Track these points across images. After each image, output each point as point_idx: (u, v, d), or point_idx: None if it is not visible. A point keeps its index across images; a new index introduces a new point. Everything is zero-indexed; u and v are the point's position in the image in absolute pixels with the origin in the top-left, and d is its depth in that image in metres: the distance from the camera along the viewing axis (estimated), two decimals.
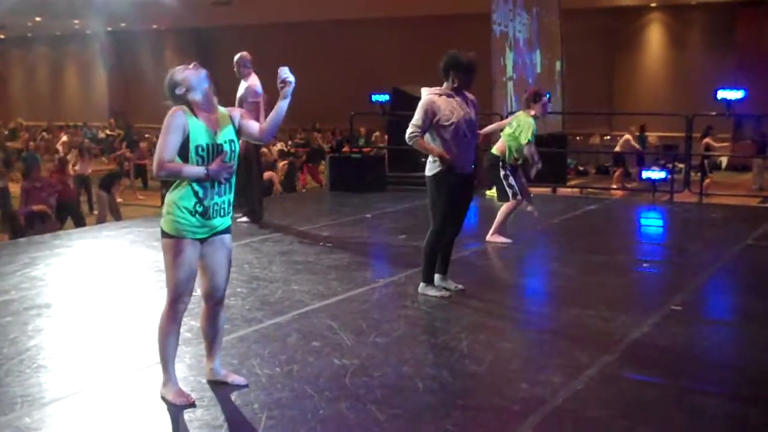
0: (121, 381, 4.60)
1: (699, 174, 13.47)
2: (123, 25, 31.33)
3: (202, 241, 4.17)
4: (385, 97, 14.00)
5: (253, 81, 9.27)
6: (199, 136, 4.04)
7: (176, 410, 4.13)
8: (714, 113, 13.66)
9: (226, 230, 4.28)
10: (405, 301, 6.16)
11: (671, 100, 23.41)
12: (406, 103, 14.67)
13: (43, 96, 37.76)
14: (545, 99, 8.54)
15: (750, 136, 21.51)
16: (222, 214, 4.19)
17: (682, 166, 15.14)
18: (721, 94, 12.24)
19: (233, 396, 4.30)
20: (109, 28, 32.15)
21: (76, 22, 31.77)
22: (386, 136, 17.30)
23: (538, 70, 18.29)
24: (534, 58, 18.09)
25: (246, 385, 4.44)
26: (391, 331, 5.42)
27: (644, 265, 7.82)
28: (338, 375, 4.63)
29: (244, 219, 9.55)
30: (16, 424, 3.98)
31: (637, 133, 20.99)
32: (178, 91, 4.09)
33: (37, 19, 30.88)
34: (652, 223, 10.74)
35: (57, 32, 34.86)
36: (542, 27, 18.40)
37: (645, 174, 13.02)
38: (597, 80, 25.21)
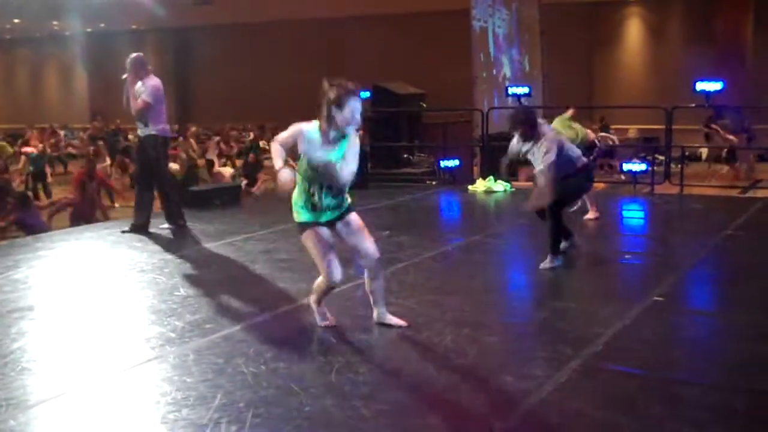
0: (106, 382, 4.59)
1: (679, 165, 13.54)
2: (102, 25, 31.20)
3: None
4: (365, 95, 14.01)
5: (154, 82, 8.96)
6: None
7: (162, 410, 4.14)
8: (693, 105, 13.75)
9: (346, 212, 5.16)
10: (389, 298, 6.15)
11: (651, 92, 23.51)
12: (387, 100, 14.76)
13: (23, 98, 37.56)
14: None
15: (732, 127, 21.62)
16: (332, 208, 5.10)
17: (662, 158, 15.23)
18: (700, 86, 12.34)
19: (219, 394, 4.31)
20: (89, 29, 32.01)
21: (55, 23, 31.60)
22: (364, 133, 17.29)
23: (527, 68, 18.39)
24: (515, 54, 18.15)
25: (409, 325, 5.38)
26: (375, 327, 5.44)
27: (626, 256, 7.87)
28: (323, 372, 4.64)
29: (165, 225, 9.29)
30: (1, 427, 3.97)
31: (596, 126, 21.16)
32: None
33: (16, 21, 30.71)
34: (633, 215, 10.80)
35: (36, 34, 34.66)
36: (521, 22, 18.46)
37: (626, 166, 13.09)
38: (577, 74, 25.29)
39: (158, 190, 9.38)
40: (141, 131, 9.11)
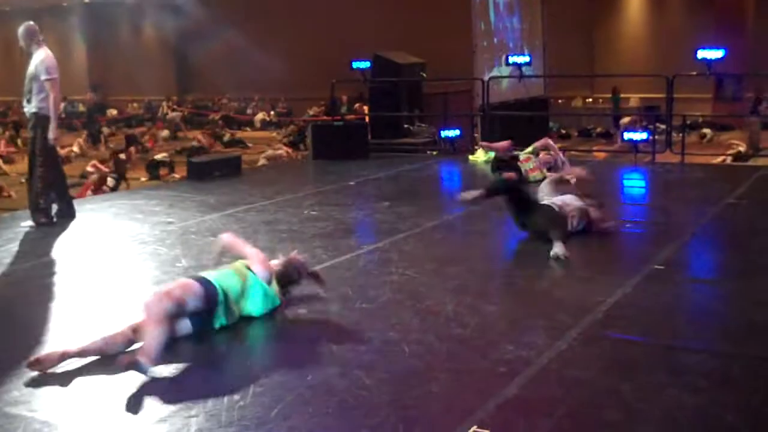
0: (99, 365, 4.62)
1: (680, 135, 13.51)
2: None
3: None
4: (366, 64, 13.95)
5: (47, 54, 8.03)
6: None
7: (164, 381, 4.16)
8: (695, 73, 13.70)
9: None
10: (390, 267, 6.19)
11: (652, 61, 23.40)
12: (387, 70, 14.70)
13: (21, 70, 37.39)
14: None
15: (730, 95, 21.55)
16: None
17: (663, 126, 15.20)
18: (701, 54, 12.26)
19: (222, 363, 4.33)
20: (87, 0, 31.86)
21: None
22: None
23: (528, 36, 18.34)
24: (514, 22, 18.06)
25: None
26: (376, 297, 5.46)
27: (627, 225, 7.86)
28: (325, 341, 4.67)
29: (28, 222, 8.12)
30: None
31: (610, 95, 21.20)
32: None
33: None
34: (634, 183, 10.79)
35: (35, 6, 34.47)
36: None
37: (627, 135, 13.06)
38: (578, 43, 25.19)
39: (30, 174, 8.32)
40: (27, 108, 8.22)
